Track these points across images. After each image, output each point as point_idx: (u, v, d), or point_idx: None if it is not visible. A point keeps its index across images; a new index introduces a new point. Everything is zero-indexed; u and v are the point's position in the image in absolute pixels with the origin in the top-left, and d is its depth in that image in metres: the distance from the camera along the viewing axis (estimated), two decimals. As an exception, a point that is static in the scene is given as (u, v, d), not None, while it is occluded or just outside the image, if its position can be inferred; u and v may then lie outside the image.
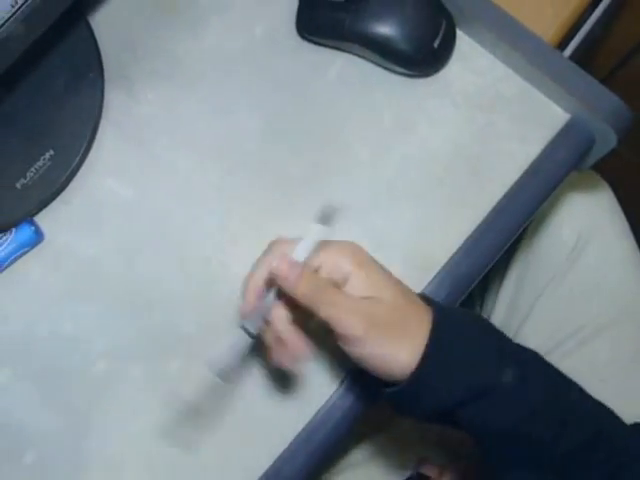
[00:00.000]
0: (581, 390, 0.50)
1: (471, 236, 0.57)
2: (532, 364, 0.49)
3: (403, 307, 0.47)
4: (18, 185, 0.57)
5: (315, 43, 0.61)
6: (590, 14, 0.79)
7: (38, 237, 0.57)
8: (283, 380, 0.55)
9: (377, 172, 0.59)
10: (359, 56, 0.60)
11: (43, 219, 0.58)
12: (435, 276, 0.56)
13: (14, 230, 0.57)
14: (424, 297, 0.49)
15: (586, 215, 0.70)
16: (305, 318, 0.49)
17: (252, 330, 0.49)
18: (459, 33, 0.60)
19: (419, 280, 0.56)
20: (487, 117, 0.59)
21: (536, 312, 0.70)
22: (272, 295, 0.48)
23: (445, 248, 0.57)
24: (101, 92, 0.59)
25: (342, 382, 0.55)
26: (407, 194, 0.58)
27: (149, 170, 0.59)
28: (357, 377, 0.54)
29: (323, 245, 0.48)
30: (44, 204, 0.58)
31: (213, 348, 0.55)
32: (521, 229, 0.59)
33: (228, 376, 0.49)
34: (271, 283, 0.48)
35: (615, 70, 1.00)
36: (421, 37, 0.58)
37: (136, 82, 0.61)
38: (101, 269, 0.58)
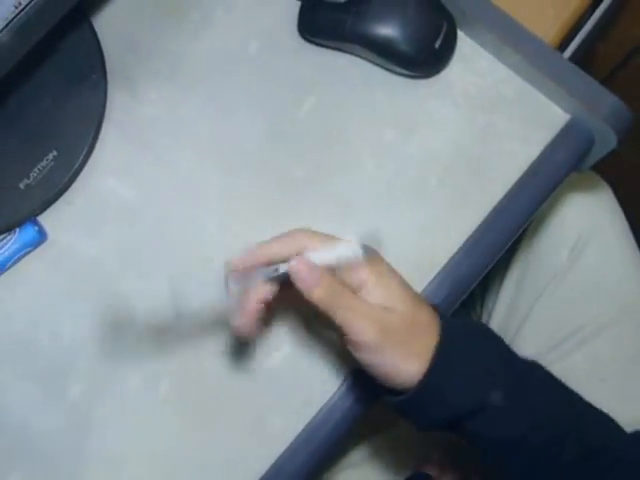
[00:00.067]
0: (582, 400, 0.50)
1: (472, 236, 0.57)
2: (536, 375, 0.49)
3: (415, 318, 0.47)
4: (22, 185, 0.57)
5: (317, 44, 0.61)
6: (590, 16, 0.79)
7: (41, 237, 0.57)
8: (285, 379, 0.55)
9: (378, 172, 0.59)
10: (361, 57, 0.61)
11: (46, 219, 0.58)
12: (435, 276, 0.56)
13: (18, 230, 0.57)
14: (434, 307, 0.49)
15: (586, 215, 0.70)
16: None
17: (232, 287, 0.49)
18: (460, 34, 0.60)
19: (420, 280, 0.56)
20: (488, 118, 0.59)
21: (536, 312, 0.71)
22: (266, 274, 0.48)
23: (446, 248, 0.57)
24: (104, 93, 0.59)
25: (343, 382, 0.55)
26: (408, 194, 0.59)
27: (151, 171, 0.59)
28: (358, 377, 0.55)
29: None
30: (47, 204, 0.58)
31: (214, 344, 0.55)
32: (521, 229, 0.59)
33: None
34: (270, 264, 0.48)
35: (615, 71, 1.00)
36: (422, 38, 0.58)
37: (139, 83, 0.61)
38: (103, 269, 0.58)
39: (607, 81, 0.98)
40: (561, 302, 0.70)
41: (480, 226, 0.57)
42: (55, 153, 0.58)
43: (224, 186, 0.59)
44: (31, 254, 0.58)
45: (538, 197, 0.58)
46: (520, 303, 0.72)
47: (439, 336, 0.46)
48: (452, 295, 0.56)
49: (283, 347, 0.56)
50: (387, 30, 0.58)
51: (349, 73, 0.61)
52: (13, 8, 0.49)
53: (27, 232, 0.57)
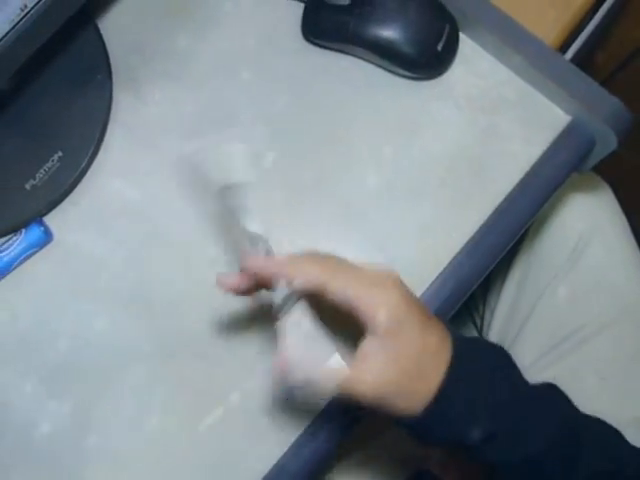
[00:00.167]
0: (593, 420, 0.50)
1: (473, 237, 0.57)
2: (547, 398, 0.49)
3: (425, 344, 0.46)
4: (27, 186, 0.57)
5: (320, 46, 0.61)
6: (591, 18, 0.79)
7: (47, 237, 0.57)
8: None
9: (380, 173, 0.59)
10: (363, 59, 0.61)
11: (52, 220, 0.58)
12: (437, 277, 0.57)
13: (24, 230, 0.57)
14: (446, 327, 0.48)
15: (587, 216, 0.71)
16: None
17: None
18: (462, 36, 0.61)
19: (422, 281, 0.56)
20: (489, 119, 0.60)
21: (538, 312, 0.71)
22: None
23: (447, 249, 0.57)
24: (109, 94, 0.59)
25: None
26: (410, 195, 0.59)
27: (156, 171, 0.59)
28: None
29: (358, 273, 0.46)
30: (53, 205, 0.58)
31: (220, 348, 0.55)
32: (523, 230, 0.59)
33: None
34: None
35: (615, 73, 1.01)
36: (425, 40, 0.58)
37: (144, 84, 0.61)
38: (108, 269, 0.58)
39: (608, 83, 0.98)
40: (562, 302, 0.70)
41: (482, 227, 0.57)
42: (61, 154, 0.58)
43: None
44: (37, 254, 0.58)
45: (539, 198, 0.59)
46: (522, 303, 0.73)
47: (449, 360, 0.45)
48: (454, 296, 0.57)
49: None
50: (390, 32, 0.58)
51: (352, 75, 0.61)
52: (19, 11, 0.49)
53: (33, 232, 0.57)
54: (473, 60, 0.61)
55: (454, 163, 0.59)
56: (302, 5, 0.61)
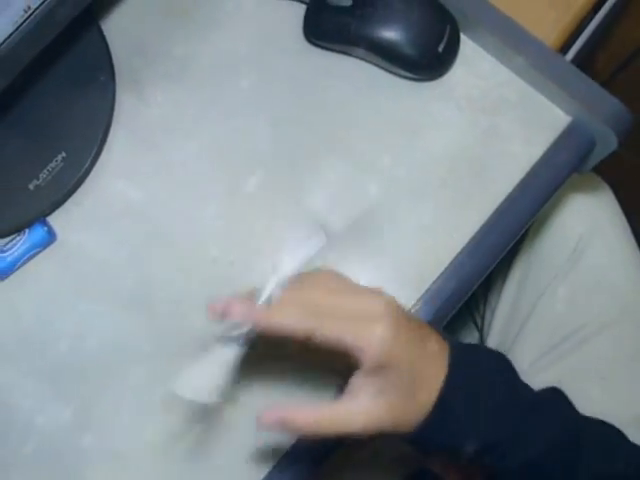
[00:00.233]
0: (594, 421, 0.50)
1: (474, 237, 0.57)
2: (547, 402, 0.48)
3: (423, 354, 0.46)
4: (31, 186, 0.58)
5: (322, 47, 0.61)
6: (591, 19, 0.79)
7: (50, 237, 0.58)
8: (288, 378, 0.56)
9: (382, 173, 0.59)
10: (365, 60, 0.61)
11: (55, 220, 0.59)
12: (439, 277, 0.57)
13: (27, 230, 0.57)
14: (442, 336, 0.48)
15: (587, 217, 0.71)
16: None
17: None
18: (463, 38, 0.61)
19: (423, 281, 0.56)
20: (490, 120, 0.60)
21: (538, 311, 0.71)
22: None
23: (448, 249, 0.57)
24: (112, 95, 0.60)
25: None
26: (411, 196, 0.59)
27: (159, 172, 0.60)
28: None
29: (343, 306, 0.45)
30: (56, 205, 0.59)
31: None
32: (523, 230, 0.59)
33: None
34: None
35: (616, 73, 1.01)
36: (426, 42, 0.58)
37: (146, 85, 0.61)
38: (111, 269, 0.58)
39: (608, 83, 0.98)
40: (562, 302, 0.70)
41: (482, 227, 0.57)
42: (64, 154, 0.58)
43: (230, 187, 0.59)
44: (40, 254, 0.58)
45: (540, 198, 0.59)
46: (522, 303, 0.73)
47: (448, 367, 0.45)
48: (455, 295, 0.57)
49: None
50: (391, 33, 0.58)
51: (353, 76, 0.61)
52: (22, 12, 0.50)
53: (36, 233, 0.57)
54: (474, 61, 0.61)
55: (455, 163, 0.59)
56: (304, 6, 0.61)
